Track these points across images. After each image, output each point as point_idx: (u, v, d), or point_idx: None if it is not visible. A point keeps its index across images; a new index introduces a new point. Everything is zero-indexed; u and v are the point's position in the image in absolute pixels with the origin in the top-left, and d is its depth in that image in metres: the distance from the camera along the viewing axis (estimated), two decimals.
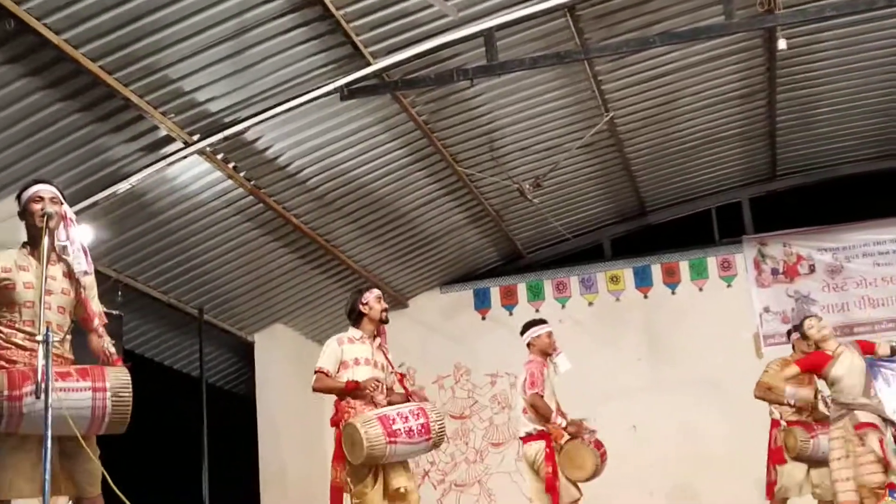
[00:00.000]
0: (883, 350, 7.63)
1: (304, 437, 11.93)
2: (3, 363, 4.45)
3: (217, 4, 6.84)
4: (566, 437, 7.68)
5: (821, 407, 8.41)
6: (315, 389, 6.36)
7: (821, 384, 8.21)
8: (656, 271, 12.54)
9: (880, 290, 11.84)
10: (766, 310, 12.04)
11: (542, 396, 7.70)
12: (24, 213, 4.69)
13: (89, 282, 4.82)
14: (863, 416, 7.23)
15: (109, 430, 4.49)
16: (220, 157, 8.52)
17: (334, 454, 6.08)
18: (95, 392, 4.39)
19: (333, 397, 6.31)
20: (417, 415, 6.01)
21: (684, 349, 11.90)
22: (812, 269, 12.11)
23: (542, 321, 8.39)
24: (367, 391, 6.06)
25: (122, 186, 8.06)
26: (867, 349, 7.54)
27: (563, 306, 12.64)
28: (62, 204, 4.71)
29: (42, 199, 4.64)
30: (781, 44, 8.26)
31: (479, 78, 8.30)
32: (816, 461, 8.04)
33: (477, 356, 12.57)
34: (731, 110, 10.71)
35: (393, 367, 6.44)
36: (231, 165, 8.71)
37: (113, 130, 7.66)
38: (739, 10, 7.91)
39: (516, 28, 8.17)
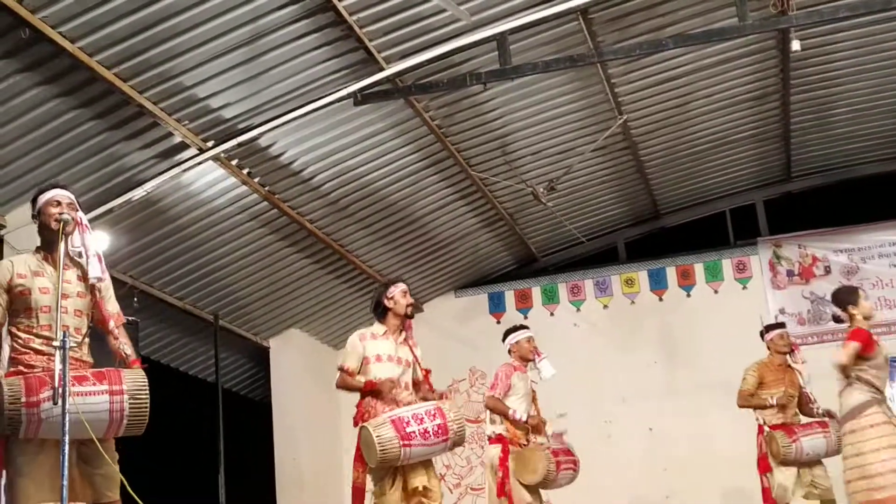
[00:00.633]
0: None
1: (320, 441, 11.95)
2: (21, 368, 4.49)
3: (230, 11, 6.86)
4: (528, 440, 7.77)
5: (806, 402, 8.38)
6: (337, 387, 6.30)
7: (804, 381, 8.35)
8: (671, 274, 12.51)
9: None
10: (782, 311, 11.99)
11: (498, 399, 7.95)
12: (40, 217, 4.71)
13: (105, 285, 4.84)
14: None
15: (128, 433, 4.51)
16: (234, 163, 8.54)
17: (355, 454, 6.06)
18: (113, 395, 4.42)
19: (351, 399, 6.29)
20: (434, 415, 5.92)
21: (700, 352, 11.86)
22: (828, 271, 12.05)
23: (522, 327, 8.45)
24: (385, 391, 6.02)
25: (138, 193, 8.09)
26: None
27: (578, 309, 12.62)
28: (77, 210, 4.74)
29: (59, 203, 4.67)
30: (795, 45, 8.23)
31: (492, 82, 8.30)
32: (804, 463, 8.04)
33: (492, 360, 12.41)
34: (745, 112, 10.68)
35: (419, 363, 6.38)
36: (245, 171, 8.73)
37: (128, 137, 7.69)
38: (753, 11, 7.88)
39: (529, 32, 8.17)
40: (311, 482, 11.55)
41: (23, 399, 4.29)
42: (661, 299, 12.45)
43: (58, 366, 4.18)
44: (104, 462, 4.47)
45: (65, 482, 4.10)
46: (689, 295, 12.40)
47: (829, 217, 12.23)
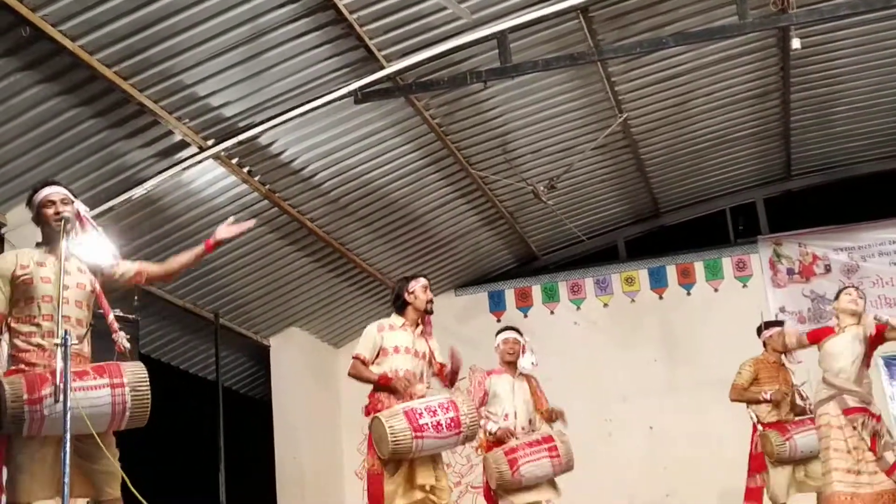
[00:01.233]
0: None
1: (321, 439, 11.96)
2: (22, 366, 4.48)
3: (230, 10, 6.86)
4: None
5: (797, 400, 8.41)
6: (350, 375, 6.28)
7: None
8: (671, 272, 12.51)
9: None
10: (782, 310, 11.99)
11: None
12: (38, 217, 4.72)
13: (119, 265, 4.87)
14: (851, 401, 7.05)
15: (131, 425, 4.53)
16: (234, 161, 8.55)
17: (368, 443, 6.05)
18: (114, 389, 4.43)
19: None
20: (447, 408, 5.91)
21: (700, 350, 11.86)
22: (828, 269, 12.05)
23: (505, 329, 8.27)
24: (399, 390, 6.01)
25: (138, 192, 8.09)
26: (880, 329, 7.23)
27: (578, 308, 12.63)
28: (73, 202, 4.73)
29: (54, 202, 4.67)
30: (795, 43, 8.23)
31: (492, 80, 8.30)
32: (798, 461, 8.07)
33: (492, 359, 12.45)
34: (746, 110, 10.68)
35: (434, 357, 6.34)
36: (246, 170, 8.74)
37: (128, 136, 7.69)
38: (753, 9, 7.88)
39: (529, 30, 8.17)
40: (311, 480, 11.56)
41: (25, 397, 4.29)
42: (661, 298, 12.46)
43: (59, 362, 4.19)
44: (105, 458, 4.47)
45: (66, 479, 4.10)
46: (689, 293, 12.41)
47: (830, 215, 12.23)
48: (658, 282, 12.49)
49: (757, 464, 8.36)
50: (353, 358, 6.21)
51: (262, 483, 11.08)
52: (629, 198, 12.24)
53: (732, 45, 9.27)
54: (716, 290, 12.34)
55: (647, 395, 11.84)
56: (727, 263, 12.39)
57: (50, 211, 4.65)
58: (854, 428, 6.97)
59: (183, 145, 8.03)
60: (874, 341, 7.14)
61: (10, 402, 4.29)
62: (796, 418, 8.34)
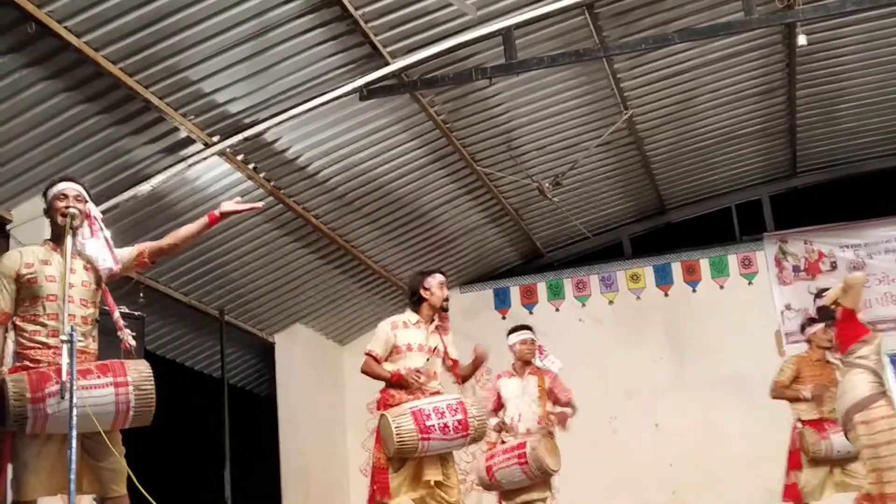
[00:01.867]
0: None
1: (326, 436, 11.96)
2: (27, 363, 4.48)
3: (236, 6, 6.86)
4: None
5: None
6: (362, 371, 6.25)
7: None
8: (677, 269, 12.49)
9: None
10: (788, 307, 11.97)
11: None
12: (49, 210, 4.72)
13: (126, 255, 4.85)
14: None
15: (135, 424, 4.52)
16: (240, 158, 8.55)
17: (376, 438, 6.05)
18: (118, 387, 4.42)
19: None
20: (455, 410, 5.89)
21: (705, 347, 11.85)
22: (834, 266, 12.02)
23: (519, 328, 8.27)
24: (411, 384, 6.00)
25: (144, 188, 8.09)
26: None
27: (584, 305, 12.61)
28: (87, 202, 4.73)
29: (66, 196, 4.66)
30: (801, 40, 8.22)
31: (497, 77, 8.30)
32: (836, 461, 7.95)
33: (497, 356, 12.43)
34: (751, 107, 10.66)
35: (448, 353, 6.32)
36: (251, 166, 8.74)
37: (134, 132, 7.70)
38: (759, 6, 7.87)
39: (535, 26, 8.17)
40: (316, 477, 11.56)
41: (28, 395, 4.29)
42: (666, 295, 12.44)
43: (65, 359, 4.18)
44: (111, 456, 4.47)
45: (72, 476, 4.10)
46: (694, 290, 12.39)
47: (835, 212, 12.20)
48: (663, 279, 12.47)
49: (795, 460, 8.24)
50: (366, 354, 6.18)
51: (267, 479, 11.09)
52: (634, 195, 12.23)
53: (738, 41, 9.25)
54: (721, 287, 12.32)
55: (652, 393, 11.83)
56: (733, 261, 12.36)
57: (61, 204, 4.65)
58: None
59: (188, 142, 8.03)
60: None
61: (14, 401, 4.29)
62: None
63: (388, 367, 6.10)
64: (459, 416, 5.87)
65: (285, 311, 11.39)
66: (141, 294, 9.13)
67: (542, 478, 7.58)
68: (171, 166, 8.10)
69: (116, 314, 4.71)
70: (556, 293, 12.73)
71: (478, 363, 6.43)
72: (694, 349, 11.93)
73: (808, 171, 12.47)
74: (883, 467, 6.47)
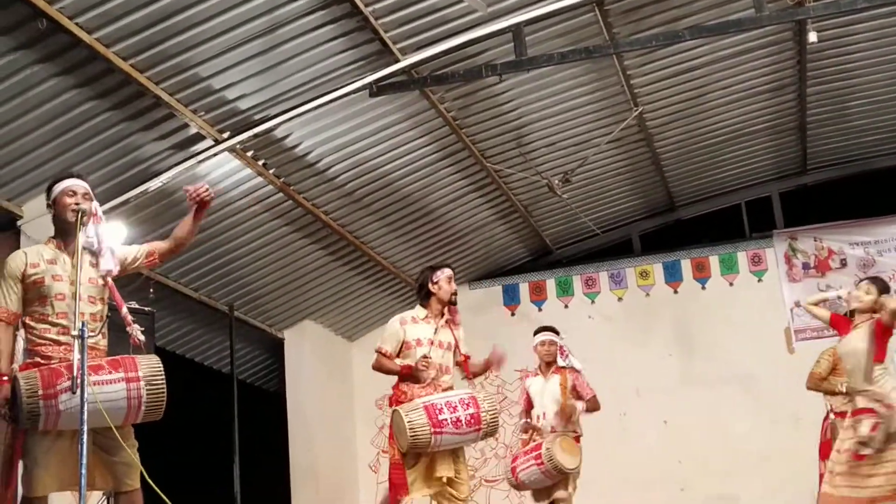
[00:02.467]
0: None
1: (335, 432, 11.98)
2: (38, 360, 4.49)
3: (246, 2, 6.86)
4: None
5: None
6: (373, 368, 6.29)
7: None
8: (686, 266, 12.47)
9: None
10: (797, 304, 11.94)
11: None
12: (55, 207, 4.71)
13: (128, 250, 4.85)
14: (861, 402, 6.60)
15: (146, 419, 4.53)
16: (249, 154, 8.56)
17: (389, 433, 6.08)
18: (129, 382, 4.43)
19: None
20: (468, 404, 5.92)
21: (714, 344, 11.84)
22: (843, 264, 12.00)
23: (540, 329, 8.32)
24: (421, 372, 6.00)
25: (153, 184, 8.11)
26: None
27: (593, 302, 12.60)
28: (92, 200, 4.74)
29: (75, 193, 4.67)
30: (812, 36, 8.20)
31: (507, 73, 8.29)
32: None
33: (506, 352, 12.53)
34: (762, 104, 10.64)
35: (459, 347, 6.33)
36: (261, 163, 8.75)
37: (144, 128, 7.71)
38: (769, 2, 7.86)
39: (545, 23, 8.16)
40: (325, 473, 11.59)
41: (40, 392, 4.30)
42: (675, 292, 12.42)
43: (76, 355, 4.19)
44: (123, 451, 4.48)
45: (83, 471, 4.12)
46: (704, 287, 12.37)
47: (846, 210, 12.17)
48: (673, 276, 12.45)
49: (826, 451, 8.19)
50: (376, 351, 6.22)
51: (276, 475, 11.11)
52: (644, 191, 12.21)
53: (748, 38, 9.23)
54: (731, 284, 12.30)
55: (661, 390, 11.82)
56: (742, 258, 12.34)
57: (70, 201, 4.64)
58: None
59: (198, 138, 8.04)
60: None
61: (26, 398, 4.30)
62: None
63: (398, 362, 6.12)
64: (472, 411, 5.90)
65: (295, 307, 11.41)
66: (151, 290, 9.15)
67: (560, 477, 7.60)
68: (181, 163, 8.11)
69: (124, 309, 4.71)
70: (565, 290, 12.72)
71: (489, 364, 6.46)
72: (703, 346, 11.92)
73: (819, 169, 12.44)
74: None
